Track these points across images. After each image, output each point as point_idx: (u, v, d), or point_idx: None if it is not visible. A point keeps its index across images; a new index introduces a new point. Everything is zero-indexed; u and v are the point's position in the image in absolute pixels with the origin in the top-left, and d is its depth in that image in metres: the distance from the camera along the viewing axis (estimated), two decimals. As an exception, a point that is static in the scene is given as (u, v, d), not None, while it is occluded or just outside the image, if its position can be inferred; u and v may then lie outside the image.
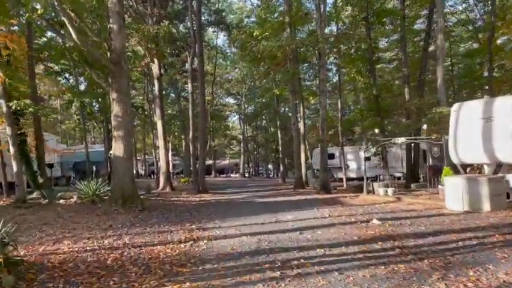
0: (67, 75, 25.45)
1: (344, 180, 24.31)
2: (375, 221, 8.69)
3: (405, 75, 21.38)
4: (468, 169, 13.19)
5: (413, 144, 21.04)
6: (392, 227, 8.06)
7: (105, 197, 13.27)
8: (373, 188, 14.75)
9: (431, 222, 8.57)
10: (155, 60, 21.38)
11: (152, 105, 26.81)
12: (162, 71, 24.17)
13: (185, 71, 28.66)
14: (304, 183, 22.47)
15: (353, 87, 26.78)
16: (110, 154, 15.72)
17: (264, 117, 54.79)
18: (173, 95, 41.17)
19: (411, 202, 12.34)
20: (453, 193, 10.33)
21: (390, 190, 13.85)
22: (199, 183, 20.12)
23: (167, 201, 15.72)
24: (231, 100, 53.75)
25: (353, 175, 33.34)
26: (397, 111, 22.48)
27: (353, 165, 34.07)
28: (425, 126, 12.95)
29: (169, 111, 44.13)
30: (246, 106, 46.41)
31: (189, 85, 24.44)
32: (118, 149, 12.57)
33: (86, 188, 14.15)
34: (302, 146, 22.88)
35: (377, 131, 14.24)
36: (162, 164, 21.81)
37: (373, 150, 20.95)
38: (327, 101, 18.06)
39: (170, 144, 39.52)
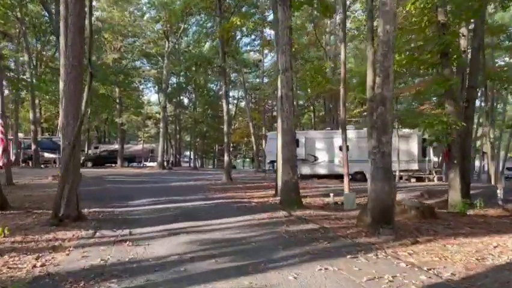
0: None
1: (347, 184, 13.38)
2: None
3: None
4: None
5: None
6: None
7: None
8: None
9: None
10: None
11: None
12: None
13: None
14: (287, 193, 11.22)
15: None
16: None
17: (188, 93, 42.72)
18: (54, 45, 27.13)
19: None
20: None
21: None
22: (64, 195, 7.95)
23: None
24: (147, 67, 40.67)
25: (322, 171, 23.77)
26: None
27: (322, 157, 24.20)
28: None
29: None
30: (168, 73, 33.72)
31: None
32: None
33: None
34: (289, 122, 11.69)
35: None
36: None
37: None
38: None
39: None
